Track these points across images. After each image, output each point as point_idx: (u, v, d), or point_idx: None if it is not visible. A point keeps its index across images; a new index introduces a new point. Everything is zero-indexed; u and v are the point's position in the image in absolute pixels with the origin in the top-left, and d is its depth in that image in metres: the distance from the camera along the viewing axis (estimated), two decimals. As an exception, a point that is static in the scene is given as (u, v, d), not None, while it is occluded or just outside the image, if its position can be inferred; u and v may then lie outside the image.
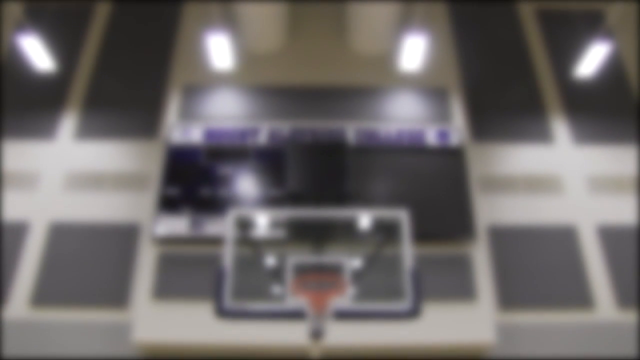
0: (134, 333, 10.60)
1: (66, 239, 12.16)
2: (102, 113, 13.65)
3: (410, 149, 12.46)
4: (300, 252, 9.59)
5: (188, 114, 12.92)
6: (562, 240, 12.44)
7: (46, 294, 11.60)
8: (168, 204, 11.69)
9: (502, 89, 14.33)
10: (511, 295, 11.81)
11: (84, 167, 13.07)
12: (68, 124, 13.48)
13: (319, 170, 9.19)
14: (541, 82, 14.52)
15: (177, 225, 11.48)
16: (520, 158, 13.49)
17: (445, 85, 13.51)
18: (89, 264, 11.84)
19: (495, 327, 10.90)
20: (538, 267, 12.06)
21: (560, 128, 13.83)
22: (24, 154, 13.19)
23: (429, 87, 13.43)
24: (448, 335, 10.64)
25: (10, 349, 11.11)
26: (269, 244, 9.96)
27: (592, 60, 12.47)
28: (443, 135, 12.64)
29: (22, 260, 12.00)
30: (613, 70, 14.49)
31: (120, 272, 11.85)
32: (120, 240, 12.19)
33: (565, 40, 15.18)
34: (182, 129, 12.56)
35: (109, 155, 13.23)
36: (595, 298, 11.89)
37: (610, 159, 13.56)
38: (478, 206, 12.36)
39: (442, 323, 10.61)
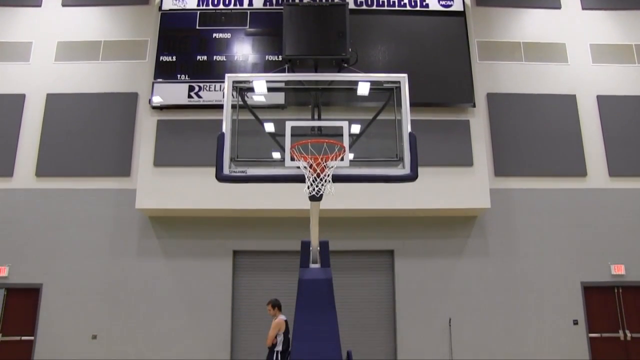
0: (136, 200, 10.97)
1: (64, 111, 12.10)
2: (88, -26, 12.90)
3: (412, 12, 11.94)
4: (299, 117, 9.62)
5: (179, -26, 12.19)
6: (561, 109, 12.39)
7: (50, 165, 11.81)
8: (165, 71, 11.47)
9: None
10: (507, 162, 12.01)
11: (77, 35, 12.64)
12: (53, -15, 12.79)
13: (317, 34, 8.82)
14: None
15: (174, 92, 11.35)
16: (524, 24, 12.99)
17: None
18: (90, 135, 11.91)
19: (491, 192, 11.24)
20: (535, 135, 12.14)
21: (572, -11, 13.18)
22: (12, 24, 12.70)
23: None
24: (445, 200, 10.99)
25: (20, 216, 11.55)
26: (268, 109, 9.92)
27: None
28: (447, -3, 12.05)
29: (22, 133, 12.04)
30: None
31: (121, 141, 11.95)
32: (119, 110, 12.13)
33: None
34: (174, -9, 11.93)
35: (101, 22, 12.72)
36: (589, 167, 12.12)
37: (616, 25, 13.08)
38: (478, 73, 12.14)
39: (439, 188, 10.91)
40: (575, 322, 11.33)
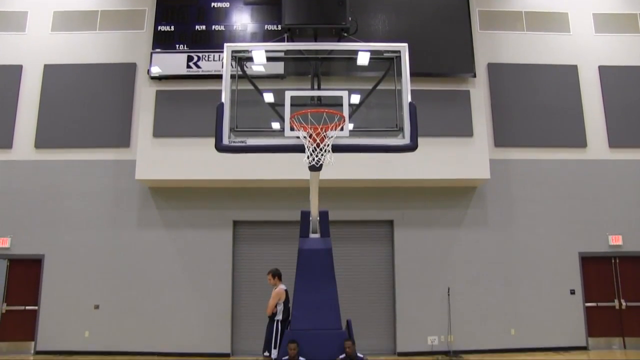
0: (136, 171, 10.97)
1: (63, 82, 12.00)
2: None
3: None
4: (299, 87, 9.54)
5: (176, -59, 11.95)
6: (562, 80, 12.29)
7: (49, 137, 11.78)
8: (163, 41, 11.36)
9: None
10: (507, 132, 11.98)
11: (73, 5, 12.44)
12: (48, -47, 12.55)
13: (317, 3, 8.69)
14: None
15: (173, 62, 11.27)
16: (527, -9, 12.84)
17: None
18: (89, 106, 11.84)
19: (491, 163, 11.24)
20: (535, 106, 12.07)
21: (576, -43, 12.93)
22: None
23: None
24: (444, 171, 11.00)
25: (21, 187, 11.57)
26: (267, 79, 9.85)
27: None
28: (449, -36, 11.85)
29: (20, 105, 11.97)
30: None
31: (120, 112, 11.88)
32: (117, 81, 12.02)
33: None
34: (170, -41, 11.72)
35: (96, -11, 12.56)
36: (589, 138, 12.09)
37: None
38: (479, 43, 12.02)
39: (439, 159, 10.91)
40: (572, 292, 11.46)
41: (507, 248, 11.56)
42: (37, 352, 10.95)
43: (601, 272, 11.74)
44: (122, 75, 12.04)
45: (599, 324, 11.48)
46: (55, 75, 12.01)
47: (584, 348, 11.21)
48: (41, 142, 11.75)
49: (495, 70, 12.22)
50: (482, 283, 11.37)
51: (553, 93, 12.19)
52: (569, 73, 12.31)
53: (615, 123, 12.17)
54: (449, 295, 11.18)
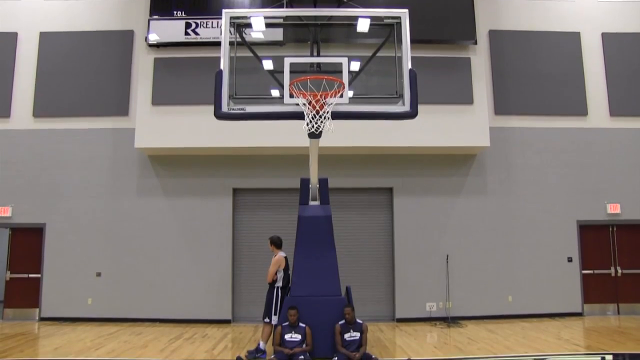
0: (135, 139, 10.94)
1: (59, 50, 11.87)
2: None
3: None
4: (298, 53, 9.46)
5: None
6: (565, 47, 12.16)
7: (47, 106, 11.71)
8: (160, 8, 11.19)
9: None
10: (508, 100, 11.92)
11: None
12: None
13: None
14: None
15: (171, 29, 11.12)
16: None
17: None
18: (86, 74, 11.75)
19: (491, 131, 11.21)
20: (536, 74, 11.98)
21: None
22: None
23: None
24: (444, 138, 10.98)
25: (20, 156, 11.57)
26: (266, 46, 9.76)
27: None
28: None
29: (17, 73, 11.87)
30: None
31: (118, 80, 11.80)
32: (115, 48, 11.90)
33: None
34: None
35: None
36: (590, 106, 12.04)
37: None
38: (480, 9, 11.84)
39: (439, 126, 10.87)
40: (570, 260, 11.58)
41: (505, 216, 11.63)
42: (42, 319, 11.12)
43: (599, 240, 11.84)
44: (120, 43, 11.91)
45: (595, 290, 11.63)
46: (52, 43, 11.88)
47: (579, 314, 11.39)
48: (39, 111, 11.70)
49: (497, 37, 12.09)
50: (481, 250, 11.47)
51: (555, 61, 12.08)
52: (572, 40, 12.18)
53: (616, 91, 12.09)
54: (447, 262, 11.29)
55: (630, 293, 11.66)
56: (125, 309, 11.10)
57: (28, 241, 11.51)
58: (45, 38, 11.88)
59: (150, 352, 8.11)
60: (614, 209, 11.72)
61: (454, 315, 11.06)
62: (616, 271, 11.72)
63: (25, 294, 11.33)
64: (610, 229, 11.86)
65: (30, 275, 11.38)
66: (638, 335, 9.22)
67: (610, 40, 12.21)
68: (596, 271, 11.71)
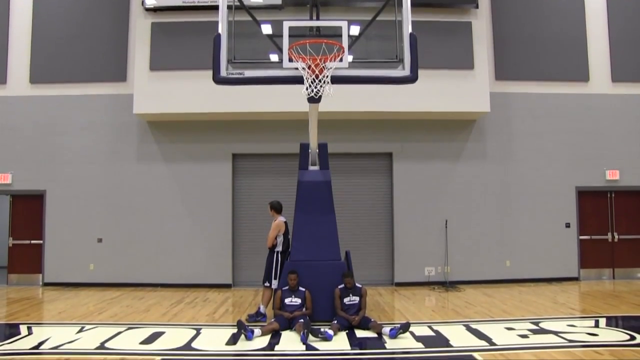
0: (134, 105, 10.88)
1: (54, 15, 11.69)
2: None
3: None
4: (297, 17, 9.33)
5: None
6: (568, 10, 11.97)
7: (44, 72, 11.61)
8: (156, -30, 10.99)
9: None
10: (509, 65, 11.81)
11: None
12: None
13: None
14: None
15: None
16: None
17: None
18: (83, 39, 11.60)
19: (491, 96, 11.14)
20: (538, 38, 11.83)
21: None
22: None
23: None
24: (444, 103, 10.91)
25: (18, 123, 11.53)
26: (265, 10, 9.62)
27: None
28: None
29: (12, 39, 11.71)
30: None
31: (116, 45, 11.66)
32: (111, 12, 11.72)
33: None
34: None
35: None
36: (592, 72, 11.94)
37: None
38: (484, -30, 11.64)
39: (439, 91, 10.78)
40: (568, 225, 11.66)
41: (504, 181, 11.67)
42: (45, 284, 11.26)
43: (597, 206, 11.90)
44: (116, 7, 11.74)
45: (592, 256, 11.77)
46: (46, 7, 11.69)
47: (576, 279, 11.53)
48: (36, 77, 11.61)
49: (498, 0, 11.89)
50: (479, 216, 11.54)
51: (557, 25, 11.92)
52: (575, 3, 11.99)
53: (619, 57, 11.97)
54: (446, 227, 11.37)
55: (626, 258, 11.80)
56: (127, 274, 11.23)
57: (29, 208, 11.57)
58: (39, 2, 11.69)
59: (153, 315, 8.23)
60: (612, 175, 11.75)
61: (452, 280, 11.21)
62: (613, 237, 11.82)
63: (28, 260, 11.45)
64: (609, 195, 11.92)
65: (33, 242, 11.48)
66: (631, 298, 9.37)
67: (615, 4, 12.02)
68: (593, 237, 11.81)
